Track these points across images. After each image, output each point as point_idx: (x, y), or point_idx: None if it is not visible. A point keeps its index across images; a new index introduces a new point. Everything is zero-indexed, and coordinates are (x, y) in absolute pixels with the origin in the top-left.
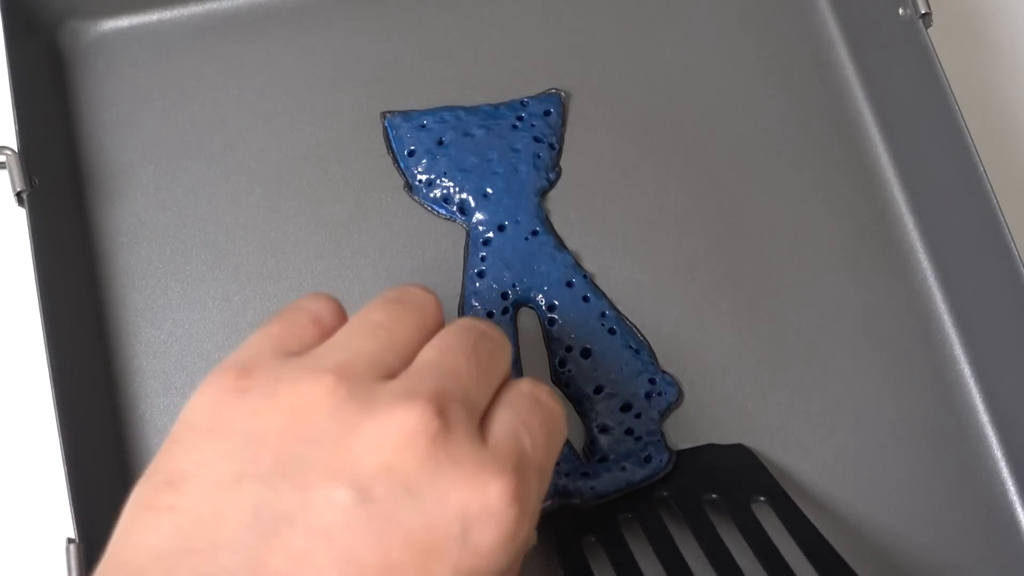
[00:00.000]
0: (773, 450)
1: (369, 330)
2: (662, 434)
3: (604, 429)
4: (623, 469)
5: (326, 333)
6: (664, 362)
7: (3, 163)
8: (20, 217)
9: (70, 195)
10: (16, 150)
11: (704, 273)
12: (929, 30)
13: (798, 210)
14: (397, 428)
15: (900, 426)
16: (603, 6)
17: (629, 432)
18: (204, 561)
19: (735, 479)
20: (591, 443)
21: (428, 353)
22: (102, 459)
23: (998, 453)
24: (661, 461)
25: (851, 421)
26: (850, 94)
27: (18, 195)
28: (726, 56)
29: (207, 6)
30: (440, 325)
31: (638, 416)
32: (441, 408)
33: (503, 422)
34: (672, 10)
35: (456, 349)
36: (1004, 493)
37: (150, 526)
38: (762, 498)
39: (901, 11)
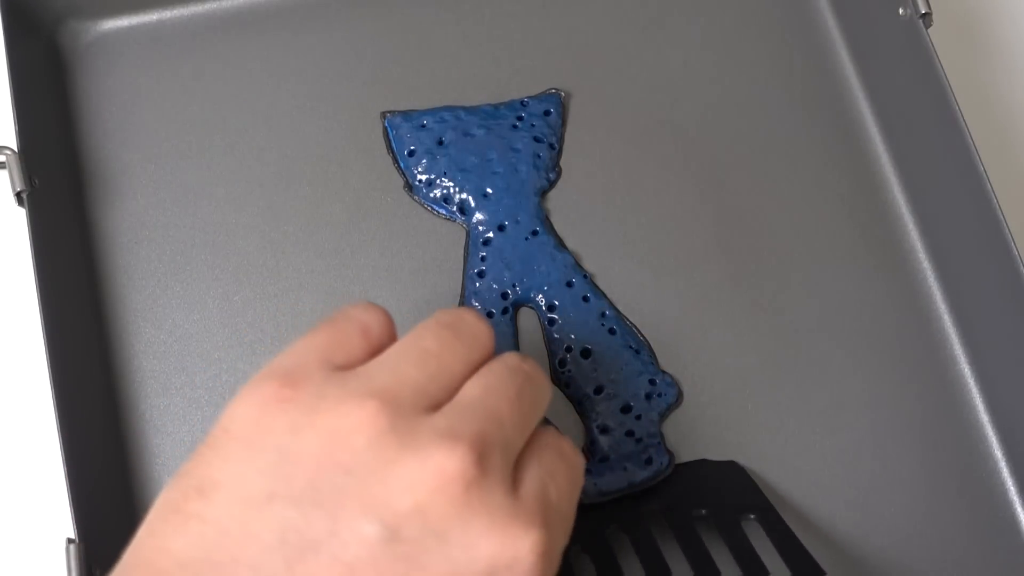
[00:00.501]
0: (773, 450)
1: (418, 356)
2: (662, 436)
3: (605, 430)
4: (624, 469)
5: (373, 347)
6: (664, 362)
7: (3, 163)
8: (20, 217)
9: (70, 195)
10: (16, 150)
11: (704, 273)
12: (929, 30)
13: (798, 210)
14: (435, 470)
15: (900, 426)
16: (603, 6)
17: (630, 434)
18: None
19: (726, 495)
20: (591, 443)
21: (474, 390)
22: (102, 459)
23: (998, 453)
24: (662, 463)
25: (851, 421)
26: (850, 94)
27: (18, 195)
28: (726, 56)
29: (207, 6)
30: (489, 357)
31: (638, 418)
32: (481, 454)
33: (533, 472)
34: (672, 10)
35: (502, 391)
36: (1004, 493)
37: (176, 531)
38: (752, 516)
39: (901, 11)
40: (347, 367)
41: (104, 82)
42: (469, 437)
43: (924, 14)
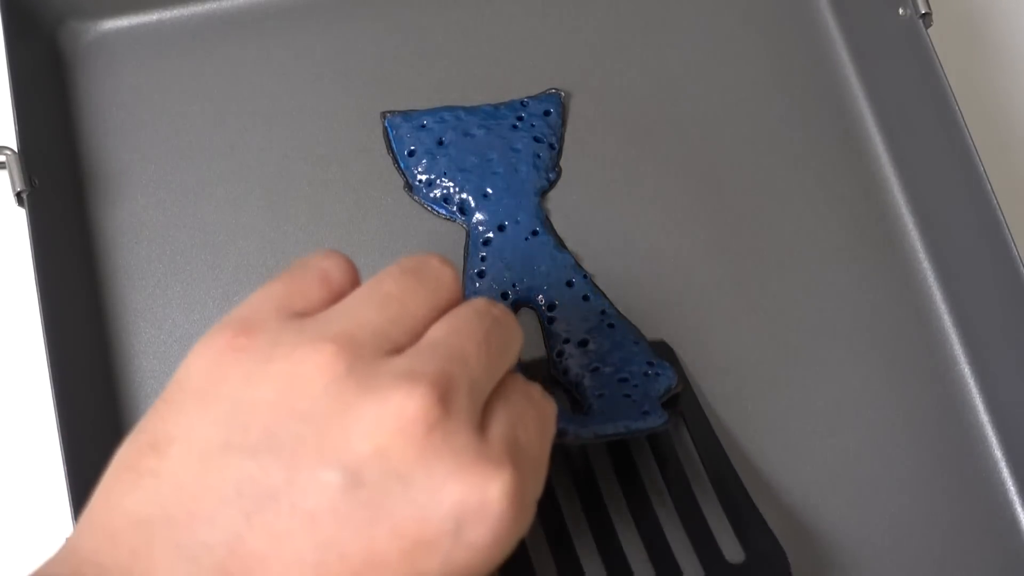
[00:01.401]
0: (773, 450)
1: (379, 300)
2: (660, 404)
3: (601, 396)
4: (619, 416)
5: (335, 294)
6: None
7: (3, 163)
8: (20, 217)
9: (70, 195)
10: (16, 150)
11: (704, 273)
12: (929, 30)
13: (798, 210)
14: (395, 412)
15: (900, 426)
16: (603, 6)
17: (626, 396)
18: (182, 532)
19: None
20: (588, 407)
21: (438, 332)
22: (102, 459)
23: (998, 453)
24: (660, 417)
25: (851, 421)
26: (850, 94)
27: (18, 195)
28: (726, 56)
29: (207, 6)
30: (456, 301)
31: (635, 387)
32: (444, 394)
33: (502, 416)
34: (672, 10)
35: (468, 332)
36: (1004, 493)
37: (130, 489)
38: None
39: (901, 11)
40: (306, 314)
41: (104, 82)
42: (431, 377)
43: (924, 14)
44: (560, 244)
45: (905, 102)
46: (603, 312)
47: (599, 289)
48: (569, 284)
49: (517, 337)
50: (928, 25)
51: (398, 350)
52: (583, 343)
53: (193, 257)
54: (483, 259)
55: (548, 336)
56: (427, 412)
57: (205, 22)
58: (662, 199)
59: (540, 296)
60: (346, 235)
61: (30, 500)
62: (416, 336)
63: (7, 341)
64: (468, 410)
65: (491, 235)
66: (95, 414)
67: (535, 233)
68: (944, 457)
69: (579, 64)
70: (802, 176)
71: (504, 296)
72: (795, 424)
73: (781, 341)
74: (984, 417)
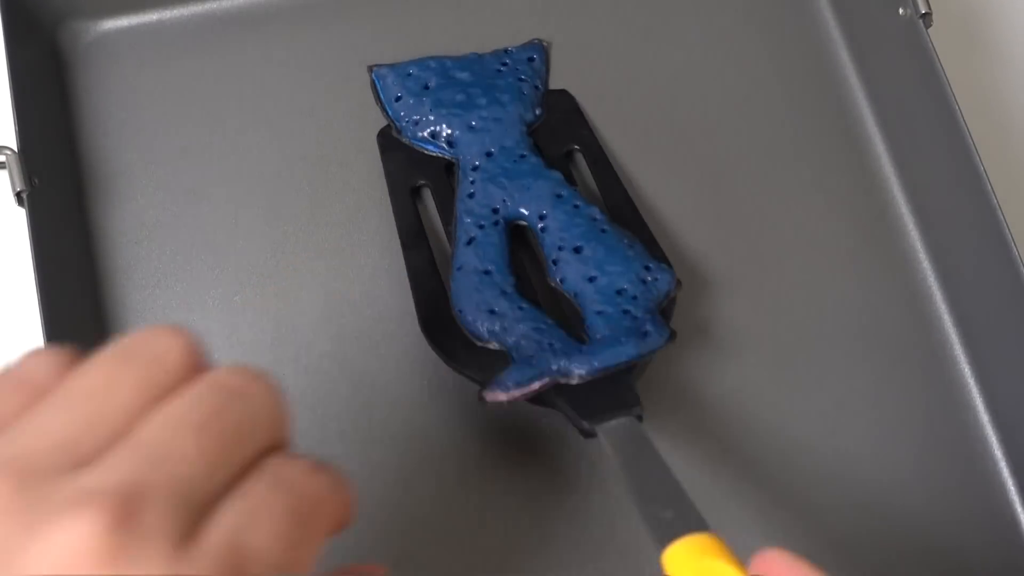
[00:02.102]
0: (773, 450)
1: (69, 402)
2: (660, 314)
3: (600, 313)
4: (622, 343)
5: (34, 398)
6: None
7: (3, 163)
8: (20, 217)
9: (70, 195)
10: (16, 150)
11: (704, 273)
12: (929, 30)
13: (798, 210)
14: (65, 546)
15: (900, 426)
16: (603, 6)
17: (625, 312)
18: None
19: (553, 128)
20: (588, 327)
21: (146, 426)
22: None
23: (998, 453)
24: (661, 336)
25: (851, 421)
26: (850, 94)
27: (18, 195)
28: (726, 56)
29: (207, 6)
30: (188, 376)
31: (634, 298)
32: (128, 512)
33: (225, 518)
34: (672, 10)
35: (183, 419)
36: (1004, 493)
37: None
38: (576, 147)
39: (901, 11)
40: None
41: (104, 82)
42: (111, 493)
43: (924, 14)
44: (548, 164)
45: (905, 102)
46: (594, 219)
47: (588, 200)
48: (558, 196)
49: (268, 410)
50: (928, 25)
51: (88, 460)
52: (577, 250)
53: (193, 257)
54: (472, 183)
55: (542, 246)
56: (103, 538)
57: (205, 22)
58: (661, 199)
59: (530, 209)
60: (346, 235)
61: None
62: (121, 432)
63: (7, 341)
64: (166, 524)
65: (478, 162)
66: None
67: (523, 156)
68: (944, 457)
69: (579, 64)
70: (802, 176)
71: (495, 211)
72: (795, 424)
73: (781, 341)
74: (984, 417)
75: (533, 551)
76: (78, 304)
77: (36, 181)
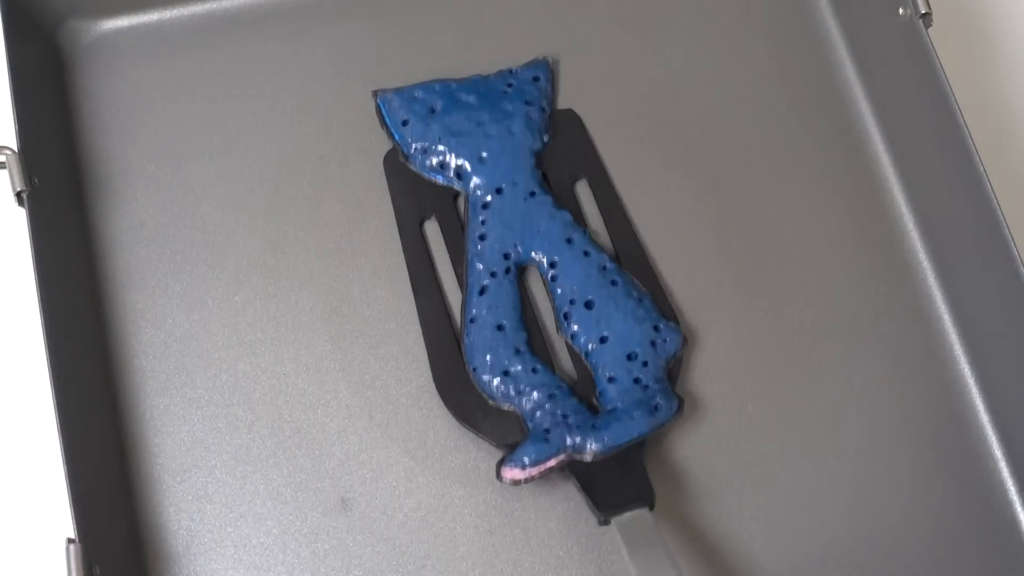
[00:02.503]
0: (773, 450)
1: None
2: (669, 381)
3: (612, 380)
4: (633, 418)
5: None
6: None
7: (3, 163)
8: (20, 217)
9: (70, 195)
10: (16, 150)
11: (704, 273)
12: (929, 30)
13: (798, 210)
14: None
15: (900, 426)
16: (603, 7)
17: (636, 381)
18: None
19: (560, 154)
20: (600, 394)
21: None
22: (102, 459)
23: (998, 453)
24: (670, 408)
25: (851, 421)
26: (850, 94)
27: (18, 195)
28: (726, 56)
29: (207, 6)
30: None
31: (644, 364)
32: None
33: None
34: (672, 11)
35: None
36: (1004, 493)
37: None
38: (584, 176)
39: (901, 11)
40: None
41: (104, 82)
42: None
43: (924, 14)
44: (558, 203)
45: (905, 102)
46: (604, 268)
47: (599, 244)
48: (569, 241)
49: None
50: (928, 25)
51: None
52: (588, 304)
53: (193, 257)
54: (483, 223)
55: (553, 296)
56: None
57: (205, 22)
58: (662, 199)
59: (541, 254)
60: (346, 235)
61: (30, 500)
62: None
63: (7, 341)
64: None
65: (489, 198)
66: (95, 414)
67: (532, 194)
68: (944, 457)
69: (579, 65)
70: (802, 176)
71: (506, 256)
72: (795, 424)
73: (781, 341)
74: (984, 417)
75: (536, 556)
76: (78, 304)
77: (36, 181)
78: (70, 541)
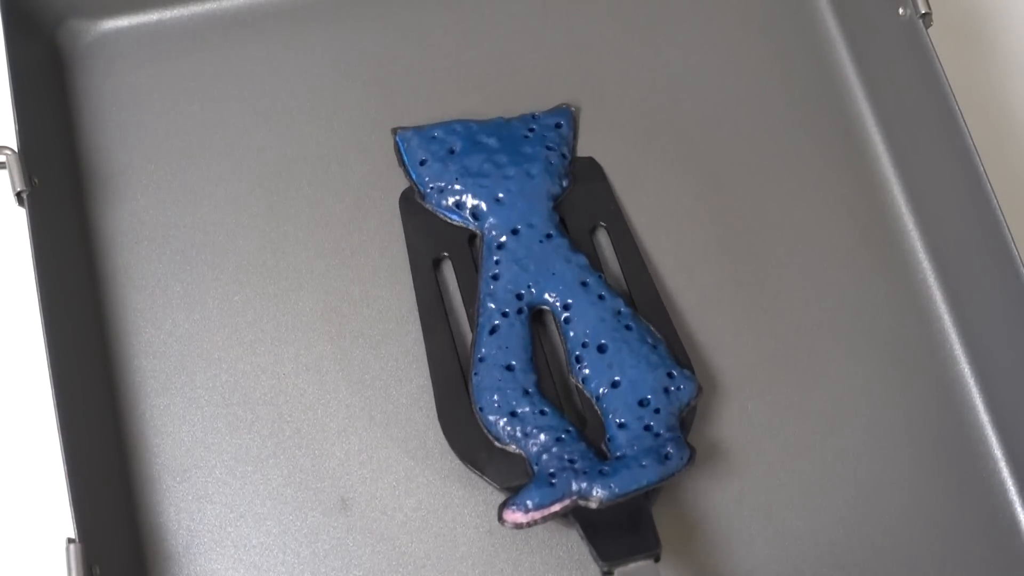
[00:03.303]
0: (773, 450)
1: None
2: (680, 430)
3: (622, 426)
4: (642, 467)
5: None
6: None
7: (3, 163)
8: (20, 217)
9: (70, 195)
10: (16, 150)
11: (704, 273)
12: (929, 30)
13: (798, 210)
14: None
15: (900, 426)
16: (603, 8)
17: (647, 428)
18: None
19: (579, 200)
20: (610, 440)
21: None
22: (102, 459)
23: (998, 453)
24: (681, 458)
25: (851, 421)
26: (850, 94)
27: (18, 195)
28: (727, 57)
29: (207, 6)
30: None
31: (656, 411)
32: None
33: None
34: (672, 11)
35: None
36: (1004, 493)
37: None
38: (603, 224)
39: (901, 11)
40: None
41: (104, 82)
42: None
43: (924, 14)
44: (574, 246)
45: (905, 102)
46: (619, 312)
47: (614, 289)
48: (584, 284)
49: None
50: (928, 25)
51: None
52: (601, 348)
53: (193, 257)
54: (497, 262)
55: (565, 339)
56: None
57: (205, 22)
58: (662, 199)
59: (555, 296)
60: (346, 235)
61: (30, 500)
62: None
63: (7, 341)
64: None
65: (504, 239)
66: (95, 414)
67: (549, 236)
68: (944, 457)
69: (579, 65)
70: (802, 176)
71: (519, 297)
72: (795, 424)
73: (781, 341)
74: (984, 417)
75: (536, 556)
76: (78, 304)
77: (36, 181)
78: (70, 541)
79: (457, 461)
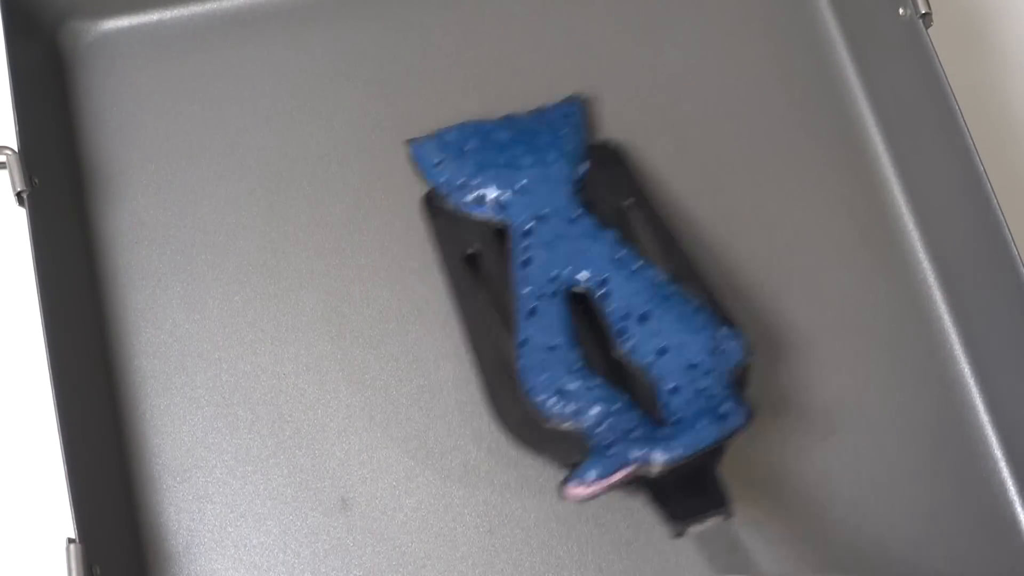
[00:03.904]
0: (773, 450)
1: None
2: (735, 388)
3: (674, 390)
4: (700, 428)
5: None
6: None
7: (3, 163)
8: (20, 217)
9: (70, 195)
10: (16, 150)
11: (704, 273)
12: (929, 30)
13: (798, 210)
14: None
15: (900, 426)
16: (603, 8)
17: (701, 391)
18: None
19: (602, 183)
20: (663, 407)
21: None
22: (102, 459)
23: (998, 453)
24: (740, 416)
25: (851, 421)
26: (850, 94)
27: (18, 195)
28: (727, 57)
29: (207, 6)
30: None
31: (707, 372)
32: None
33: None
34: (672, 11)
35: None
36: (1004, 493)
37: None
38: (627, 202)
39: (901, 11)
40: None
41: (104, 82)
42: None
43: (924, 14)
44: (602, 223)
45: (905, 102)
46: (656, 281)
47: (648, 259)
48: (617, 258)
49: None
50: (928, 25)
51: None
52: (643, 318)
53: (193, 257)
54: (526, 249)
55: (605, 315)
56: None
57: (205, 22)
58: (662, 199)
59: (589, 274)
60: (346, 235)
61: (30, 500)
62: None
63: (7, 341)
64: None
65: (531, 225)
66: (95, 414)
67: (575, 218)
68: (944, 457)
69: (580, 67)
70: (802, 176)
71: (553, 279)
72: (795, 424)
73: (781, 341)
74: (984, 417)
75: (536, 556)
76: (78, 304)
77: (36, 181)
78: (70, 541)
79: (457, 461)
